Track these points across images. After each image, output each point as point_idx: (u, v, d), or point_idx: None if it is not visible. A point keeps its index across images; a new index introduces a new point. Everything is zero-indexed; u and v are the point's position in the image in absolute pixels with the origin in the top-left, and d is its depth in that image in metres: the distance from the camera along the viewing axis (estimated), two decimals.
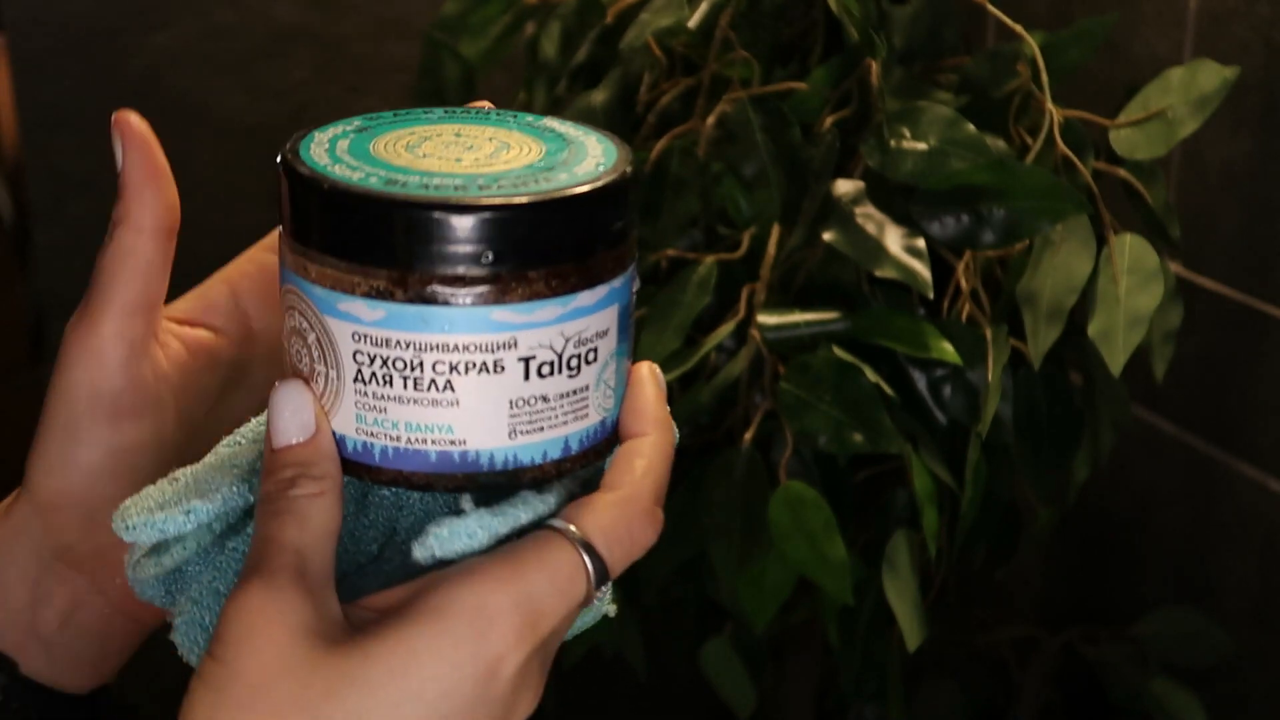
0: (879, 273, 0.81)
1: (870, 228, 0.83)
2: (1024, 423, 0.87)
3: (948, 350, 0.81)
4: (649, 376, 0.47)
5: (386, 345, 0.42)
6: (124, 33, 1.20)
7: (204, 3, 1.21)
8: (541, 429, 0.44)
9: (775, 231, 0.86)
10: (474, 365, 0.42)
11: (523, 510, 0.44)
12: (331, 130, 0.46)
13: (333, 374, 0.43)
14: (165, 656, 0.50)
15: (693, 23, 0.85)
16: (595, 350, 0.44)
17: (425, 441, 0.43)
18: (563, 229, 0.42)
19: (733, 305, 0.86)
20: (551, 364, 0.43)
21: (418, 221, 0.41)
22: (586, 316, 0.43)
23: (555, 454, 0.44)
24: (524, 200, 0.41)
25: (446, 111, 0.48)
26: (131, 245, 0.51)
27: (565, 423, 0.44)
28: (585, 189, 0.42)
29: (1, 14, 1.18)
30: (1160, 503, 1.12)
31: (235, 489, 0.46)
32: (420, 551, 0.43)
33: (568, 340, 0.43)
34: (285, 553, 0.42)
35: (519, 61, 1.07)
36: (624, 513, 0.44)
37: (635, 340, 0.48)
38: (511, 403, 0.43)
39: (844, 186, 0.85)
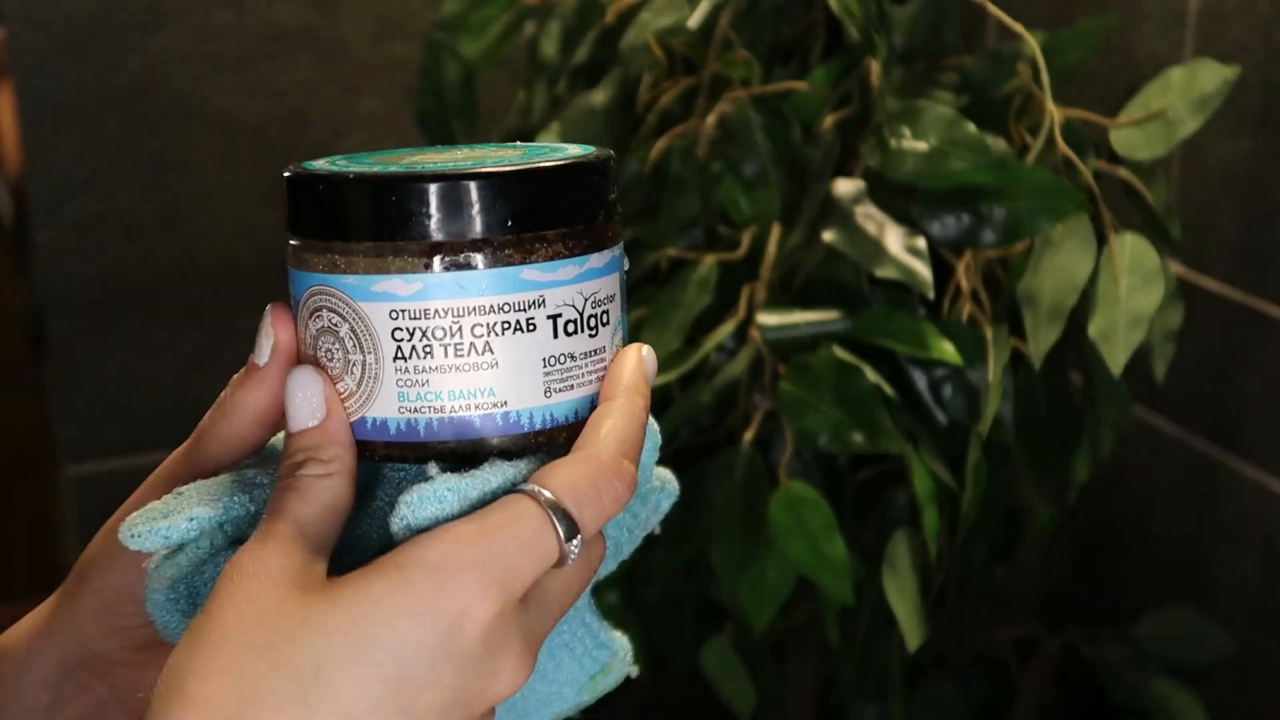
0: (879, 273, 0.81)
1: (870, 228, 0.83)
2: (1024, 423, 0.87)
3: (948, 350, 0.81)
4: (633, 350, 0.49)
5: (425, 316, 0.45)
6: (124, 33, 1.20)
7: (204, 3, 1.21)
8: (571, 387, 0.47)
9: (775, 231, 0.86)
10: (509, 325, 0.45)
11: (492, 473, 0.46)
12: (321, 160, 0.49)
13: (370, 359, 0.46)
14: None
15: (693, 22, 0.85)
16: (607, 313, 0.48)
17: (469, 407, 0.46)
18: (572, 193, 0.46)
19: (733, 305, 0.86)
20: (575, 322, 0.47)
21: (445, 193, 0.45)
22: (598, 279, 0.47)
23: (585, 412, 0.47)
24: (538, 166, 0.46)
25: (413, 149, 0.51)
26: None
27: (589, 382, 0.48)
28: (588, 158, 0.47)
29: (2, 14, 1.18)
30: (1160, 503, 1.12)
31: (237, 499, 0.48)
32: (396, 523, 0.45)
33: (586, 299, 0.47)
34: (283, 521, 0.45)
35: (519, 61, 1.07)
36: (589, 469, 0.45)
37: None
38: (545, 360, 0.46)
39: (844, 186, 0.85)
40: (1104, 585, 1.18)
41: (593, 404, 0.48)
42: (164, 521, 0.47)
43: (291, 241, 0.48)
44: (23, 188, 1.24)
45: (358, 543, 0.49)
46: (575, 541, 0.45)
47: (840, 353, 0.81)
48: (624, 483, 0.46)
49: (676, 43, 0.90)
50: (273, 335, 0.50)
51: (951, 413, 0.86)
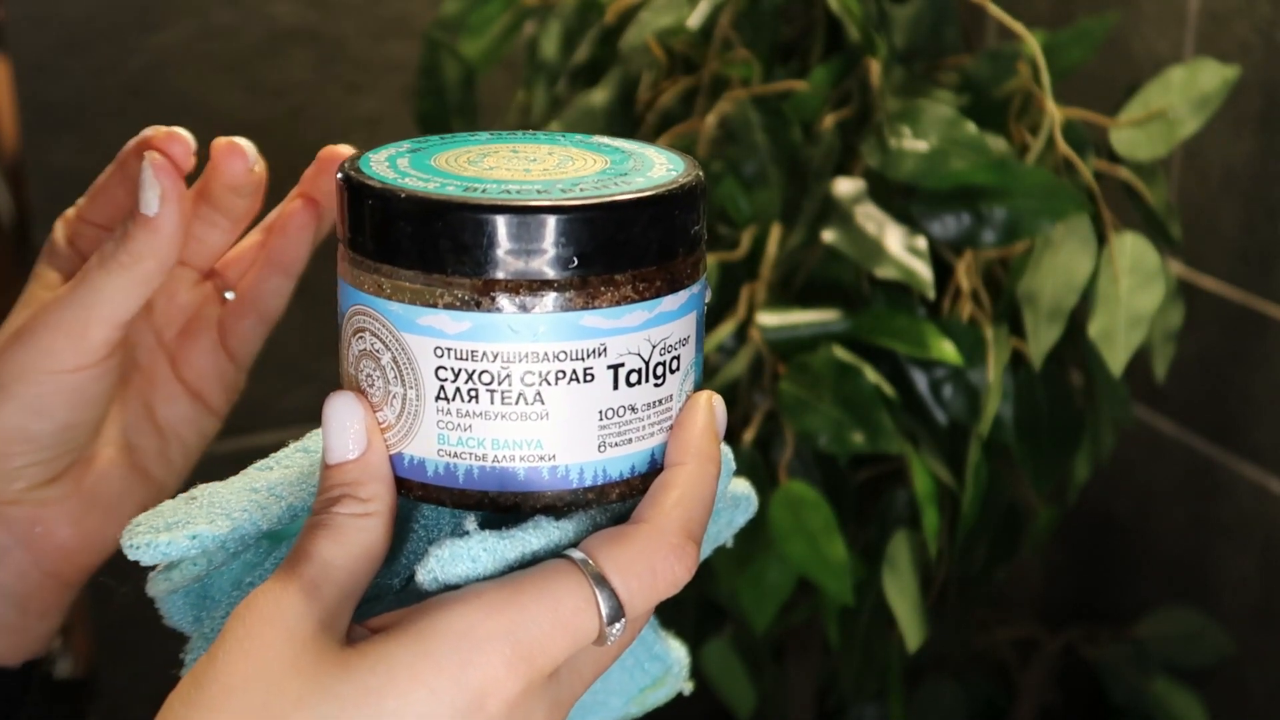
0: (879, 273, 0.81)
1: (870, 228, 0.83)
2: (1024, 423, 0.87)
3: (948, 350, 0.81)
4: (703, 405, 0.44)
5: (472, 358, 0.41)
6: (124, 33, 1.20)
7: (204, 3, 1.21)
8: (630, 441, 0.43)
9: (775, 231, 0.86)
10: (564, 374, 0.41)
11: (533, 535, 0.42)
12: (384, 151, 0.44)
13: (411, 394, 0.42)
14: (153, 660, 0.49)
15: (693, 22, 0.85)
16: (678, 359, 0.43)
17: (514, 459, 0.42)
18: (648, 230, 0.41)
19: (733, 305, 0.86)
20: (639, 372, 0.42)
21: (503, 226, 0.40)
22: (671, 322, 0.42)
23: (643, 467, 0.43)
24: (610, 200, 0.41)
25: (492, 134, 0.47)
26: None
27: (651, 435, 0.43)
28: (669, 189, 0.42)
29: (2, 14, 1.18)
30: (1160, 503, 1.12)
31: (248, 515, 0.44)
32: (423, 574, 0.41)
33: (654, 347, 0.42)
34: (309, 563, 0.41)
35: (519, 61, 1.07)
36: (647, 546, 0.41)
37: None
38: (601, 413, 0.42)
39: (844, 186, 0.85)
40: (1104, 585, 1.18)
41: (652, 458, 0.43)
42: (165, 535, 0.43)
43: (340, 246, 0.43)
44: (23, 188, 1.24)
45: (384, 582, 0.46)
46: (618, 625, 0.41)
47: (840, 353, 0.81)
48: (684, 566, 0.41)
49: (676, 42, 0.90)
50: (158, 185, 0.46)
51: (951, 413, 0.86)
